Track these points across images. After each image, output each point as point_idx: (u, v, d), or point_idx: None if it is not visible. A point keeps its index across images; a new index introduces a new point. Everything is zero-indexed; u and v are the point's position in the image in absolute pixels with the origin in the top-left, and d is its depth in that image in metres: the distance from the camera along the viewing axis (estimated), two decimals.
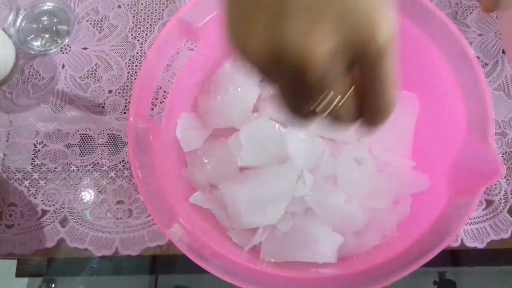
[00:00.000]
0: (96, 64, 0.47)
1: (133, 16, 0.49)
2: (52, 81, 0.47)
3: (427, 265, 0.32)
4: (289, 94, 0.20)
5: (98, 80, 0.47)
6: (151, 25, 0.48)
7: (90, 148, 0.45)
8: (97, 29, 0.48)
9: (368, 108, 0.21)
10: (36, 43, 0.48)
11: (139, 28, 0.48)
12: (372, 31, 0.18)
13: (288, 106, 0.21)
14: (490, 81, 0.45)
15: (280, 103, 0.21)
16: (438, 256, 0.32)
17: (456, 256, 0.44)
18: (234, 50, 0.19)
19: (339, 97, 0.20)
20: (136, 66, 0.47)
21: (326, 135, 0.41)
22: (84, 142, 0.45)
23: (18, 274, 0.50)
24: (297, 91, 0.20)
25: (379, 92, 0.20)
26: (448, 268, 0.65)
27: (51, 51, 0.48)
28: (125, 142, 0.45)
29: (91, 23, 0.49)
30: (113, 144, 0.45)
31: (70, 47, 0.48)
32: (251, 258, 0.37)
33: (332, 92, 0.19)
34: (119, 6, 0.49)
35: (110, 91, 0.47)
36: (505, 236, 0.40)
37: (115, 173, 0.44)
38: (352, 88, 0.20)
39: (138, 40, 0.48)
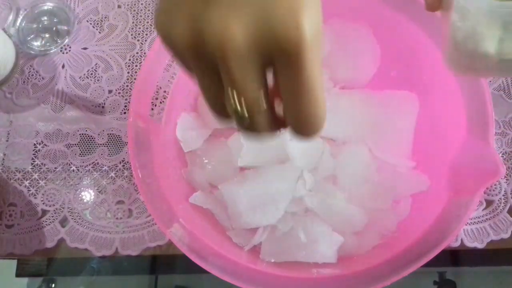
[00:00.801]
0: (96, 64, 0.47)
1: (133, 16, 0.49)
2: (52, 81, 0.47)
3: (427, 265, 0.32)
4: (207, 87, 0.20)
5: (98, 80, 0.47)
6: (151, 25, 0.48)
7: (90, 148, 0.45)
8: (97, 29, 0.48)
9: (289, 118, 0.19)
10: (36, 43, 0.48)
11: (139, 28, 0.48)
12: (289, 27, 0.16)
13: (206, 100, 0.20)
14: (490, 81, 0.45)
15: (203, 98, 0.20)
16: (438, 256, 0.32)
17: (456, 256, 0.44)
18: (160, 38, 0.19)
19: (246, 97, 0.18)
20: (136, 66, 0.47)
21: (326, 135, 0.41)
22: (84, 142, 0.45)
23: (18, 274, 0.50)
24: (213, 86, 0.19)
25: (297, 101, 0.18)
26: (448, 268, 0.65)
27: (51, 51, 0.48)
28: (125, 142, 0.45)
29: (91, 23, 0.49)
30: (113, 144, 0.45)
31: (70, 47, 0.48)
32: (251, 258, 0.37)
33: (237, 91, 0.18)
34: (119, 6, 0.49)
35: (110, 91, 0.47)
36: (505, 236, 0.40)
37: (115, 173, 0.44)
38: (262, 92, 0.19)
39: (138, 40, 0.48)
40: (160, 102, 0.43)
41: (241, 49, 0.17)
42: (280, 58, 0.17)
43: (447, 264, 0.44)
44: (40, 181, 0.44)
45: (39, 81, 0.47)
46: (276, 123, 0.20)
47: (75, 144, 0.45)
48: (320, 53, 0.17)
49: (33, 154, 0.45)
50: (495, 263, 0.42)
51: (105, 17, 0.49)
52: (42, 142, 0.45)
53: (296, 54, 0.17)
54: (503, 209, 0.41)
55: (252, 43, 0.17)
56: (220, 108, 0.20)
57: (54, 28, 0.49)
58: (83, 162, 0.45)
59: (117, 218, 0.43)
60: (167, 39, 0.19)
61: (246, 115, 0.18)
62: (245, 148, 0.39)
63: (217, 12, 0.17)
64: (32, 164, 0.45)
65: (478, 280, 0.68)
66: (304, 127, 0.19)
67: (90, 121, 0.46)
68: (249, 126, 0.19)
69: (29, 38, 0.48)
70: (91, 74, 0.47)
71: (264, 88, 0.19)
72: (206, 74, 0.19)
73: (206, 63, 0.18)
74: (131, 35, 0.48)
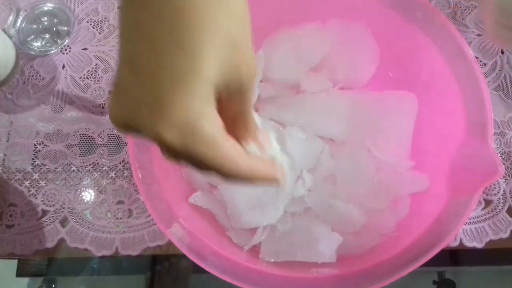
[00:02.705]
0: (96, 64, 0.47)
1: None
2: (52, 81, 0.47)
3: (426, 264, 0.32)
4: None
5: (98, 81, 0.47)
6: None
7: (90, 149, 0.45)
8: (97, 30, 0.49)
9: (237, 131, 0.22)
10: (36, 44, 0.48)
11: None
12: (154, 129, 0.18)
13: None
14: (489, 81, 0.45)
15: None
16: (438, 256, 0.32)
17: (455, 256, 0.44)
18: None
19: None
20: None
21: (326, 135, 0.41)
22: (84, 142, 0.45)
23: (18, 274, 0.50)
24: None
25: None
26: (448, 268, 0.65)
27: (51, 52, 0.48)
28: (125, 143, 0.45)
29: (91, 24, 0.49)
30: (113, 144, 0.45)
31: (70, 48, 0.48)
32: (250, 258, 0.38)
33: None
34: (119, 7, 0.49)
35: (110, 92, 0.47)
36: (504, 235, 0.40)
37: (115, 173, 0.44)
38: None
39: None
40: None
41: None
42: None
43: (447, 263, 0.44)
44: (41, 181, 0.44)
45: (39, 81, 0.47)
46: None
47: (75, 145, 0.45)
48: (210, 143, 0.19)
49: (34, 154, 0.45)
50: (494, 263, 0.42)
51: (105, 18, 0.49)
52: (43, 143, 0.46)
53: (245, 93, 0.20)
54: (502, 209, 0.41)
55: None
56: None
57: (54, 29, 0.49)
58: (83, 163, 0.45)
59: (117, 218, 0.43)
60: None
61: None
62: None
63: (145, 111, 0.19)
64: (32, 164, 0.45)
65: (478, 280, 0.69)
66: (248, 133, 0.23)
67: (90, 121, 0.46)
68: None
69: (29, 39, 0.48)
70: (91, 74, 0.47)
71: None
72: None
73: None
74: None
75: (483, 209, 0.41)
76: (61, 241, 0.43)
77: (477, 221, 0.41)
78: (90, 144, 0.45)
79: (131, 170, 0.35)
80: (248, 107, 0.22)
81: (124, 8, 0.18)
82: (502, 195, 0.42)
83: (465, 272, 0.68)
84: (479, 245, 0.40)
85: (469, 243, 0.40)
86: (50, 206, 0.44)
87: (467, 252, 0.41)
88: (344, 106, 0.41)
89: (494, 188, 0.42)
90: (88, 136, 0.45)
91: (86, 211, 0.43)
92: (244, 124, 0.22)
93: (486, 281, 0.66)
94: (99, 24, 0.49)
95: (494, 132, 0.43)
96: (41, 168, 0.45)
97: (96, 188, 0.44)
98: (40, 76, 0.47)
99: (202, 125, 0.18)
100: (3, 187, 0.44)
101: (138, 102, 0.18)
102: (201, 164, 0.19)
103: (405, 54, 0.41)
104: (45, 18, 0.49)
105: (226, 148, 0.19)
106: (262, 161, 0.24)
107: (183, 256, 0.33)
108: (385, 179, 0.39)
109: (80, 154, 0.45)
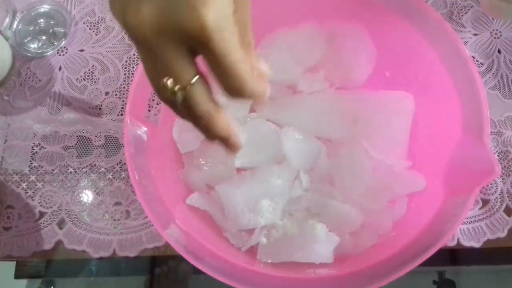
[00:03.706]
0: (93, 66, 0.47)
1: None
2: (49, 83, 0.47)
3: (426, 264, 0.32)
4: (144, 61, 0.22)
5: (95, 82, 0.47)
6: None
7: (87, 150, 0.45)
8: (93, 31, 0.48)
9: (223, 90, 0.22)
10: (33, 45, 0.48)
11: None
12: (190, 20, 0.19)
13: (146, 72, 0.22)
14: (485, 81, 0.45)
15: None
16: (437, 256, 0.32)
17: (454, 256, 0.44)
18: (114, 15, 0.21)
19: (178, 85, 0.21)
20: (133, 67, 0.47)
21: (323, 135, 0.41)
22: (81, 144, 0.45)
23: (17, 276, 0.50)
24: (149, 61, 0.21)
25: (222, 78, 0.21)
26: (448, 268, 0.65)
27: (48, 53, 0.48)
28: (122, 144, 0.45)
29: (87, 25, 0.49)
30: (110, 145, 0.45)
31: (66, 49, 0.48)
32: (248, 259, 0.38)
33: (170, 79, 0.21)
34: None
35: (107, 93, 0.47)
36: (501, 235, 0.40)
37: (112, 175, 0.44)
38: (197, 77, 0.21)
39: None
40: (157, 104, 0.44)
41: (149, 37, 0.19)
42: (197, 46, 0.20)
43: (446, 263, 0.44)
44: (38, 183, 0.44)
45: (36, 83, 0.47)
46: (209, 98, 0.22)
47: (72, 146, 0.45)
48: (231, 33, 0.20)
49: (31, 156, 0.45)
50: (491, 262, 0.42)
51: (102, 19, 0.49)
52: (40, 144, 0.45)
53: (205, 41, 0.19)
54: (499, 208, 0.41)
55: (163, 33, 0.19)
56: (161, 88, 0.22)
57: (50, 30, 0.49)
58: (80, 164, 0.45)
59: (114, 220, 0.43)
60: (123, 24, 0.21)
61: (180, 98, 0.21)
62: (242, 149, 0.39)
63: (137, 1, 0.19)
64: (29, 166, 0.45)
65: (478, 280, 0.69)
66: (235, 95, 0.22)
67: (87, 123, 0.46)
68: (181, 109, 0.22)
69: (25, 41, 0.48)
70: (88, 76, 0.47)
71: (190, 76, 0.21)
72: (138, 48, 0.21)
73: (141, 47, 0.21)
74: (128, 36, 0.48)
75: (480, 208, 0.41)
76: (59, 243, 0.43)
77: (474, 220, 0.41)
78: (87, 146, 0.45)
79: (128, 172, 0.35)
80: (249, 15, 0.22)
81: None
82: (499, 194, 0.42)
83: (465, 272, 0.68)
84: (476, 244, 0.40)
85: (466, 243, 0.40)
86: (47, 208, 0.44)
87: (465, 251, 0.41)
88: (341, 106, 0.41)
89: (491, 187, 0.42)
90: (85, 138, 0.45)
91: (84, 212, 0.43)
92: (246, 33, 0.22)
93: (486, 281, 0.66)
94: (96, 26, 0.49)
95: (491, 132, 0.43)
96: (38, 170, 0.45)
97: (93, 189, 0.44)
98: (36, 77, 0.47)
99: (231, 16, 0.20)
100: (0, 189, 0.44)
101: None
102: (222, 58, 0.20)
103: (401, 54, 0.41)
104: (42, 20, 0.49)
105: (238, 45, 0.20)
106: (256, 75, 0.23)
107: (182, 258, 0.33)
108: (382, 179, 0.39)
109: (77, 156, 0.45)
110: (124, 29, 0.20)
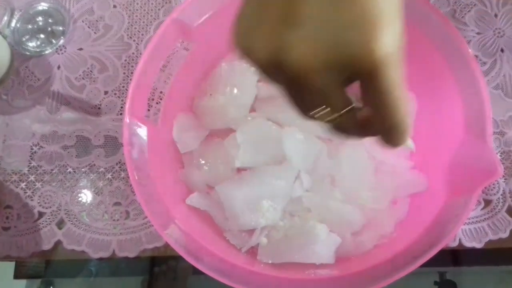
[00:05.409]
0: (92, 64, 0.47)
1: (129, 16, 0.48)
2: (48, 82, 0.47)
3: (427, 265, 0.31)
4: (292, 96, 0.21)
5: (94, 81, 0.47)
6: (147, 25, 0.48)
7: (86, 150, 0.45)
8: (92, 30, 0.48)
9: (378, 127, 0.21)
10: (31, 44, 0.48)
11: (135, 28, 0.48)
12: (362, 53, 0.18)
13: (293, 106, 0.22)
14: (488, 80, 0.44)
15: (288, 102, 0.22)
16: (439, 256, 0.32)
17: (456, 256, 0.44)
18: (239, 51, 0.20)
19: (335, 113, 0.21)
20: (132, 66, 0.47)
21: (324, 135, 0.41)
22: (80, 143, 0.45)
23: (16, 276, 0.50)
24: (299, 95, 0.21)
25: (383, 111, 0.20)
26: (449, 268, 0.65)
27: (47, 52, 0.47)
28: (122, 144, 0.45)
29: (86, 24, 0.48)
30: (110, 145, 0.45)
31: (65, 48, 0.48)
32: (248, 259, 0.37)
33: (327, 108, 0.21)
34: (114, 6, 0.49)
35: (106, 92, 0.46)
36: (504, 235, 0.40)
37: (111, 175, 0.44)
38: (352, 105, 0.21)
39: (134, 40, 0.47)
40: (157, 103, 0.43)
41: (322, 70, 0.19)
42: (360, 77, 0.19)
43: (448, 264, 0.44)
44: (37, 183, 0.44)
45: (34, 82, 0.47)
46: (365, 131, 0.22)
47: (71, 146, 0.45)
48: (399, 67, 0.19)
49: (30, 156, 0.45)
50: (493, 263, 0.42)
51: (101, 17, 0.48)
52: (38, 144, 0.45)
53: (373, 76, 0.19)
54: (501, 208, 0.41)
55: (329, 67, 0.19)
56: (306, 113, 0.22)
57: (49, 29, 0.48)
58: (79, 164, 0.44)
59: (114, 220, 0.43)
60: (247, 54, 0.20)
61: (337, 124, 0.21)
62: (242, 148, 0.39)
63: (298, 32, 0.18)
64: (28, 166, 0.45)
65: (479, 280, 0.68)
66: (388, 134, 0.21)
67: (86, 122, 0.45)
68: (339, 129, 0.22)
69: (24, 39, 0.48)
70: (87, 75, 0.47)
71: (345, 105, 0.21)
72: (288, 85, 0.21)
73: (287, 77, 0.20)
74: (127, 35, 0.48)
75: (482, 209, 0.41)
76: (58, 243, 0.42)
77: (477, 221, 0.41)
78: (86, 146, 0.45)
79: (128, 172, 0.35)
80: (379, 99, 0.21)
81: None
82: (501, 195, 0.41)
83: (466, 272, 0.68)
84: (478, 245, 0.40)
85: (468, 243, 0.40)
86: (47, 208, 0.43)
87: (467, 252, 0.41)
88: None
89: (494, 187, 0.42)
90: (84, 137, 0.45)
91: (83, 212, 0.43)
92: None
93: (487, 282, 0.66)
94: (95, 24, 0.48)
95: (494, 131, 0.43)
96: (37, 170, 0.44)
97: (92, 189, 0.44)
98: (35, 76, 0.47)
99: (400, 51, 0.19)
100: None
101: (349, 26, 0.18)
102: (386, 93, 0.19)
103: (403, 53, 0.40)
104: (40, 18, 0.49)
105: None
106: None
107: (181, 257, 0.33)
108: (384, 180, 0.39)
109: (76, 156, 0.45)
110: (268, 65, 0.19)
